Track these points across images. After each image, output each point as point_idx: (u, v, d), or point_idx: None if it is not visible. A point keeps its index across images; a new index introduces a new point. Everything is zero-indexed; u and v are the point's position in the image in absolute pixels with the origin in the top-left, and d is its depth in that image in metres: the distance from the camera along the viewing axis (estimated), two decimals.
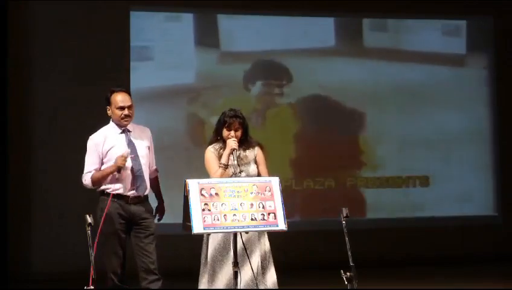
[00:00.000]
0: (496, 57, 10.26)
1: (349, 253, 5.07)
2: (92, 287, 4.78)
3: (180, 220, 4.85)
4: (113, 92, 5.51)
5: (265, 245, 5.54)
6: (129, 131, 5.51)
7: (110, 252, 5.43)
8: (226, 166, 5.47)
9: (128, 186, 5.41)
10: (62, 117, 8.84)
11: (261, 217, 4.80)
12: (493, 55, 10.28)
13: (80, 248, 5.91)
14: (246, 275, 5.40)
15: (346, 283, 4.95)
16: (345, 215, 5.11)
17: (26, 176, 8.82)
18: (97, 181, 5.37)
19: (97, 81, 8.73)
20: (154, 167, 5.70)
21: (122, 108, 5.43)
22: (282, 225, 4.87)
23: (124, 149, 5.40)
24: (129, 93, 5.54)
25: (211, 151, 5.60)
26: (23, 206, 8.77)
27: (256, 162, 5.61)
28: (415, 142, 9.11)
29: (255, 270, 5.38)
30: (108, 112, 5.52)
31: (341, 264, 5.06)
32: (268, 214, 4.83)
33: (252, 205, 4.81)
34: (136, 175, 5.41)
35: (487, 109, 10.28)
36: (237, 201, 4.78)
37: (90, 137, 5.50)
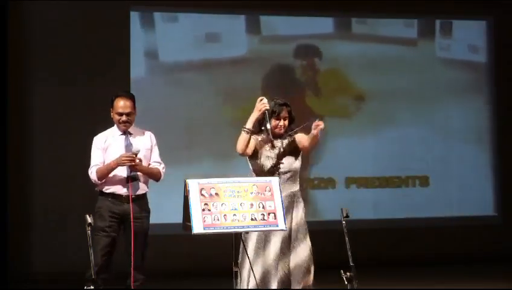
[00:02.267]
0: (496, 56, 10.29)
1: (349, 253, 5.07)
2: (92, 287, 4.78)
3: (180, 220, 4.85)
4: (116, 96, 5.64)
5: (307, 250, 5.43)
6: (130, 134, 5.65)
7: (96, 250, 5.40)
8: (250, 131, 5.36)
9: (122, 185, 5.52)
10: (62, 117, 8.84)
11: (261, 217, 4.81)
12: (494, 55, 10.32)
13: (80, 248, 5.91)
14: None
15: (346, 283, 4.95)
16: (344, 215, 5.10)
17: (26, 176, 8.82)
18: (101, 174, 5.52)
19: (97, 82, 8.74)
20: (157, 163, 5.72)
21: (120, 114, 5.59)
22: (282, 225, 4.87)
23: (120, 149, 5.55)
24: (132, 99, 5.66)
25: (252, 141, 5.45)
26: (23, 207, 8.77)
27: (296, 152, 5.45)
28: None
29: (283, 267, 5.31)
30: (111, 114, 5.67)
31: (341, 264, 5.06)
32: (268, 214, 4.83)
33: (252, 205, 4.81)
34: (130, 175, 5.51)
35: (488, 109, 10.30)
36: (237, 201, 4.78)
37: (94, 137, 5.70)
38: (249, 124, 5.37)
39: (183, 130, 9.25)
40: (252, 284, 5.30)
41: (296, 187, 5.48)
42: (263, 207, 4.82)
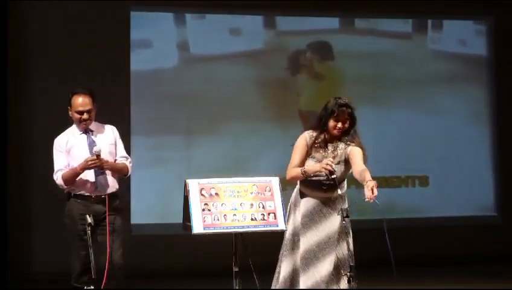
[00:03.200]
0: (496, 56, 10.30)
1: (349, 253, 5.07)
2: (92, 287, 4.78)
3: (180, 220, 4.85)
4: (73, 94, 5.47)
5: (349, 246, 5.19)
6: (91, 131, 5.49)
7: (73, 254, 5.40)
8: (308, 177, 5.15)
9: (89, 186, 5.38)
10: (62, 117, 8.79)
11: (261, 217, 4.81)
12: (494, 55, 10.33)
13: None
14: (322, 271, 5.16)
15: (346, 282, 4.95)
16: (344, 215, 5.09)
17: (26, 176, 8.82)
18: (67, 180, 5.37)
19: (97, 81, 8.73)
20: (124, 158, 5.55)
21: (80, 112, 5.40)
22: (282, 225, 4.87)
23: (84, 149, 5.39)
24: (91, 95, 5.46)
25: (304, 138, 5.25)
26: (23, 207, 8.76)
27: (346, 161, 5.22)
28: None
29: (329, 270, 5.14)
30: (70, 113, 5.50)
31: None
32: (268, 214, 4.84)
33: (252, 205, 4.81)
34: (96, 175, 5.36)
35: (488, 109, 10.30)
36: (237, 201, 4.79)
37: (55, 139, 5.53)
38: (309, 172, 5.13)
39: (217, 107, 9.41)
40: (280, 280, 5.25)
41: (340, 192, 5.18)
42: (263, 207, 4.83)
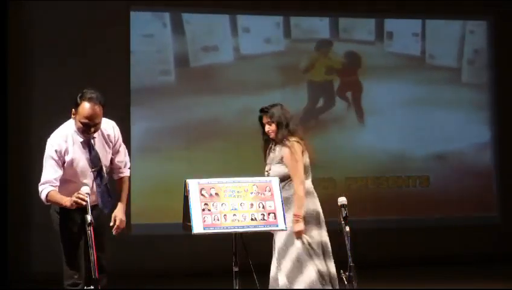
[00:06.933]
0: (496, 56, 10.31)
1: (349, 253, 5.07)
2: (91, 287, 4.77)
3: (180, 219, 4.85)
4: (83, 99, 4.77)
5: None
6: (93, 138, 4.91)
7: (70, 255, 5.00)
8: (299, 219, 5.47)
9: (91, 204, 4.73)
10: (62, 117, 8.79)
11: (261, 217, 4.81)
12: (494, 55, 10.34)
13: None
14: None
15: (346, 283, 4.95)
16: (344, 215, 5.09)
17: (26, 176, 8.81)
18: (50, 201, 4.91)
19: (97, 82, 8.72)
20: (124, 167, 5.11)
21: (87, 125, 4.77)
22: (282, 225, 4.87)
23: (82, 162, 4.87)
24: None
25: (299, 145, 5.54)
26: (23, 207, 8.76)
27: (282, 162, 5.52)
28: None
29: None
30: (73, 116, 4.88)
31: (341, 264, 5.05)
32: (268, 214, 4.83)
33: (252, 205, 4.81)
34: (99, 193, 4.98)
35: (489, 109, 10.31)
36: (237, 201, 4.78)
37: (49, 139, 4.96)
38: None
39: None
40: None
41: (286, 193, 5.43)
42: (263, 207, 4.83)
